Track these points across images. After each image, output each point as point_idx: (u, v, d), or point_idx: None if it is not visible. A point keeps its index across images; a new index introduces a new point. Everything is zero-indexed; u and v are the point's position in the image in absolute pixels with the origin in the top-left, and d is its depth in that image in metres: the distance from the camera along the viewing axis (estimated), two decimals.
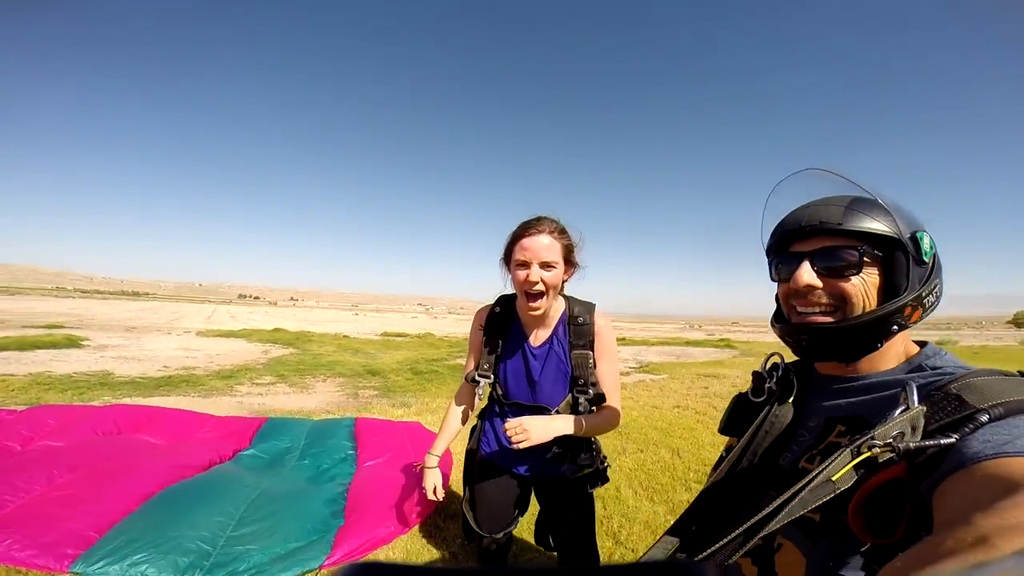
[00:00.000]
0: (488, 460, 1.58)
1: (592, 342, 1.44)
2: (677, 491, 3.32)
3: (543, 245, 1.30)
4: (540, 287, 1.31)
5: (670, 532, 0.82)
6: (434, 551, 2.46)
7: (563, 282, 1.40)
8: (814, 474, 0.57)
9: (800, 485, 0.58)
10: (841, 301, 0.71)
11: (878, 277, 0.70)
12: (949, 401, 0.57)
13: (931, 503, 0.52)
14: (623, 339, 23.37)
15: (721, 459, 0.89)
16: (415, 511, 2.67)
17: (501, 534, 1.58)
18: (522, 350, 1.47)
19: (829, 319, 0.72)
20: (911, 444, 0.54)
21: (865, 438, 0.56)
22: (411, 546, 2.49)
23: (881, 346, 0.71)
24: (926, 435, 0.56)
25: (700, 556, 0.65)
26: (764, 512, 0.60)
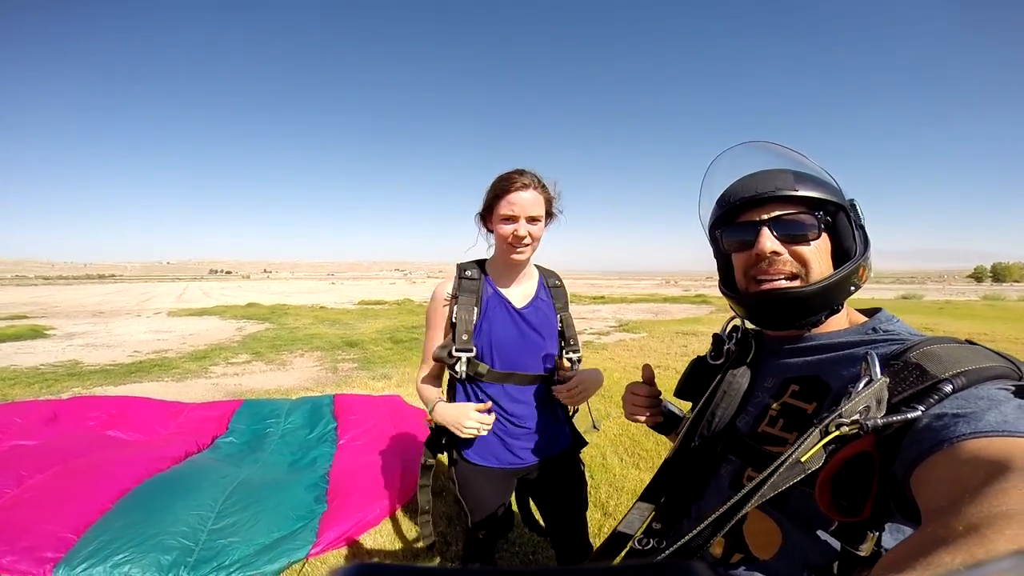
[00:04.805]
0: (475, 463, 1.41)
1: (567, 304, 1.52)
2: (663, 456, 3.33)
3: (529, 200, 1.30)
4: (528, 240, 1.33)
5: (643, 499, 0.85)
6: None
7: None
8: (784, 458, 0.57)
9: (770, 470, 0.57)
10: (802, 267, 0.72)
11: (828, 243, 0.73)
12: (910, 371, 0.57)
13: (909, 484, 0.51)
14: (602, 297, 23.66)
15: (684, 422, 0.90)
16: (400, 490, 2.66)
17: (502, 534, 1.54)
18: (508, 313, 1.39)
19: (793, 285, 0.72)
20: (879, 420, 0.54)
21: (833, 416, 0.55)
22: (397, 529, 2.46)
23: (840, 308, 0.74)
24: (891, 408, 0.56)
25: (671, 550, 0.66)
26: (733, 500, 0.59)
